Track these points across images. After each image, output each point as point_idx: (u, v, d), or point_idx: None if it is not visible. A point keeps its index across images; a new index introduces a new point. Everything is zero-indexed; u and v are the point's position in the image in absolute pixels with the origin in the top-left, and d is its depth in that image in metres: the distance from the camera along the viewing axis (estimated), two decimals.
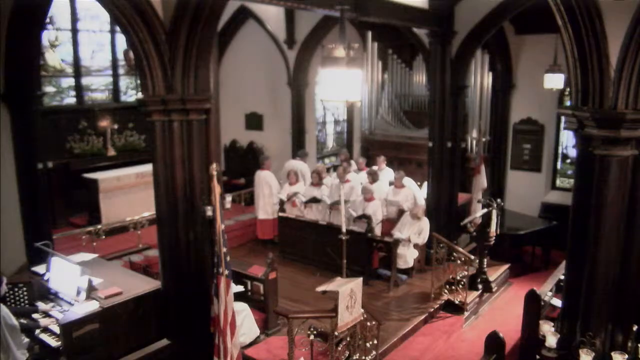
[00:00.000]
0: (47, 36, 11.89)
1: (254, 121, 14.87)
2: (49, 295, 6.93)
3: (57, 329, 6.16)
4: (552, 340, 6.33)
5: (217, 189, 5.72)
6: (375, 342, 7.09)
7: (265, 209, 11.69)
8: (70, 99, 12.79)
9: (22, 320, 6.26)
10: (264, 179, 11.78)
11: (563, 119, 11.29)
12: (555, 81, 10.91)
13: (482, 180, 11.68)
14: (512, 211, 12.47)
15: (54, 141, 11.86)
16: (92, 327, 5.85)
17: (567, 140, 13.48)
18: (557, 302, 7.31)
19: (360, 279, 6.52)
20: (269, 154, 14.40)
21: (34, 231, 7.94)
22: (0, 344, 5.88)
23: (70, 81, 12.71)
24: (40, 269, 7.15)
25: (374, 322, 7.00)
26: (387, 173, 12.01)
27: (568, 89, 11.48)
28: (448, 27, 10.03)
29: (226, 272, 5.71)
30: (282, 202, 11.34)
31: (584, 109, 5.47)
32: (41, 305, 6.75)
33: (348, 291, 6.22)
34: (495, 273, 10.29)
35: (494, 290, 9.99)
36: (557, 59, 10.62)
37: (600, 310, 5.83)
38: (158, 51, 5.55)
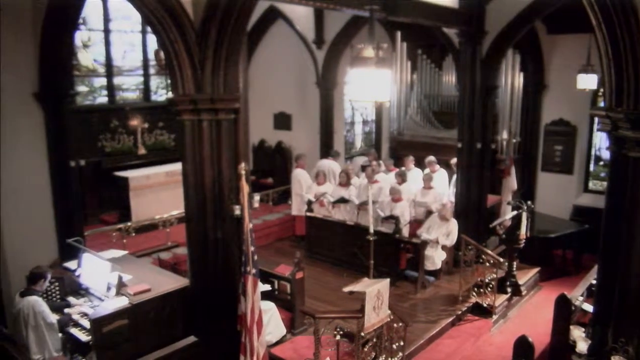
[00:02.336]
0: (80, 37, 12.10)
1: (283, 121, 14.91)
2: (80, 290, 7.07)
3: (86, 324, 6.28)
4: (582, 346, 6.22)
5: (245, 188, 5.74)
6: (402, 343, 7.05)
7: (299, 206, 11.80)
8: (102, 99, 13.01)
9: (57, 316, 6.41)
10: (297, 177, 11.99)
11: (596, 120, 11.18)
12: (588, 82, 10.71)
13: (512, 182, 11.53)
14: (543, 214, 12.28)
15: (86, 140, 12.08)
16: (122, 322, 5.95)
17: (601, 142, 13.22)
18: (589, 307, 7.18)
19: (388, 280, 6.48)
20: (297, 153, 14.46)
21: (66, 228, 8.10)
22: (39, 339, 6.04)
23: (102, 81, 12.93)
24: (72, 264, 7.29)
25: (400, 324, 6.96)
26: (415, 173, 11.95)
27: (602, 90, 11.26)
28: (478, 26, 9.91)
29: (253, 270, 5.74)
30: (309, 202, 11.37)
31: (618, 110, 5.35)
32: (73, 300, 6.89)
33: (375, 292, 6.19)
34: (525, 276, 10.14)
35: (523, 293, 9.85)
36: (590, 59, 10.42)
37: (634, 316, 5.69)
38: (188, 51, 5.61)
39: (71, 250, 7.49)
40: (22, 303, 6.09)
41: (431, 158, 11.96)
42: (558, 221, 12.03)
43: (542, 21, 11.85)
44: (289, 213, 12.75)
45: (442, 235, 9.77)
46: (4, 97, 7.41)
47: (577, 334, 6.52)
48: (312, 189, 11.69)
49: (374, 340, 6.69)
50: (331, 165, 12.48)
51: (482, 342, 8.42)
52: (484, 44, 10.11)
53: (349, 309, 6.75)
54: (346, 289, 6.46)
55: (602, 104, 11.32)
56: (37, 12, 7.48)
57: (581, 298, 7.54)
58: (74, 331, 6.44)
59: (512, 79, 12.98)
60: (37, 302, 6.10)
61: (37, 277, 6.29)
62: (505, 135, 13.04)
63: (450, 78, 13.79)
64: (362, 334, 6.29)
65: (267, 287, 8.02)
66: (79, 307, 6.61)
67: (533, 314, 9.38)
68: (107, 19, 12.70)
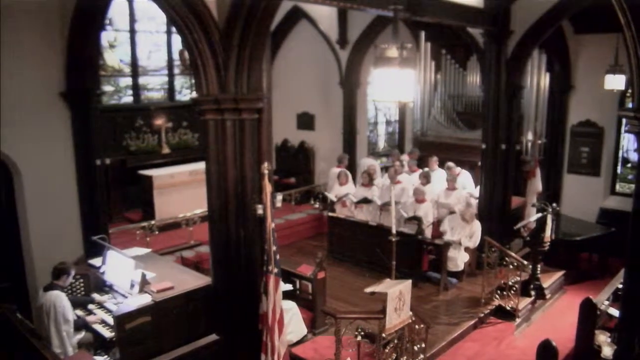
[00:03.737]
0: (106, 37, 12.27)
1: (306, 121, 14.94)
2: (104, 287, 7.18)
3: (110, 320, 6.37)
4: (608, 352, 6.12)
5: (267, 187, 5.76)
6: (423, 345, 7.02)
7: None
8: (128, 98, 13.16)
9: (80, 312, 6.52)
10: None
11: (624, 121, 10.97)
12: (616, 82, 10.54)
13: (536, 184, 11.38)
14: (568, 216, 12.10)
15: (112, 138, 12.25)
16: (144, 319, 6.00)
17: (628, 143, 13.00)
18: (615, 312, 7.05)
19: (410, 281, 6.45)
20: (320, 154, 14.51)
21: (91, 225, 8.22)
22: (59, 334, 6.15)
23: (128, 80, 13.08)
24: (96, 261, 7.39)
25: (422, 325, 6.93)
26: (439, 174, 11.88)
27: (630, 90, 11.04)
28: (504, 26, 9.81)
29: (275, 270, 5.75)
30: (332, 203, 11.38)
31: None
32: (97, 296, 7.00)
33: (397, 293, 6.17)
34: (549, 279, 10.00)
35: (547, 297, 9.72)
36: (618, 59, 10.25)
37: None
38: (212, 51, 5.64)
39: (96, 247, 7.60)
40: (45, 297, 6.23)
41: (450, 164, 11.81)
42: (584, 224, 11.85)
43: (569, 20, 11.69)
44: (311, 213, 12.81)
45: (464, 237, 9.70)
46: (32, 96, 7.55)
47: (603, 339, 6.41)
48: (334, 189, 11.69)
49: (395, 341, 6.66)
50: (372, 163, 12.68)
51: (504, 346, 8.33)
52: (509, 43, 10.01)
53: (370, 310, 6.73)
54: (368, 290, 6.44)
55: (630, 105, 11.10)
56: (64, 13, 7.61)
57: (607, 302, 7.41)
58: (98, 327, 6.55)
59: (537, 79, 12.81)
60: (59, 297, 6.21)
61: (60, 272, 6.42)
62: (530, 136, 12.88)
63: (474, 78, 13.66)
64: (383, 335, 6.28)
65: (289, 286, 8.03)
66: (97, 316, 6.70)
67: (557, 318, 9.25)
68: (132, 20, 12.85)
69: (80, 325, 6.55)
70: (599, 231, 11.33)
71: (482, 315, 8.83)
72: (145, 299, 6.15)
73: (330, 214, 11.29)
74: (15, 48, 7.27)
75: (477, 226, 9.82)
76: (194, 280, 6.68)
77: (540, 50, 12.26)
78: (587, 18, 11.08)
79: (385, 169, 13.73)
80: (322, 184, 14.25)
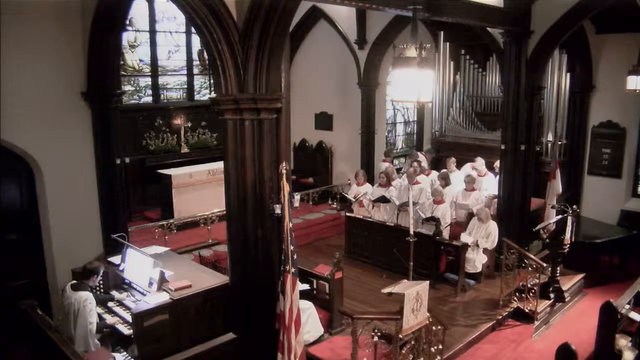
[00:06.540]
0: (126, 37, 12.40)
1: (324, 121, 14.95)
2: (123, 284, 7.24)
3: (128, 317, 6.42)
4: (629, 356, 6.02)
5: (286, 187, 5.77)
6: (440, 347, 6.98)
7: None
8: (147, 98, 13.30)
9: (100, 309, 6.57)
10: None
11: None
12: (639, 83, 10.38)
13: (557, 186, 11.28)
14: (589, 218, 11.96)
15: (131, 138, 12.41)
16: (162, 317, 6.05)
17: None
18: (636, 316, 6.95)
19: (427, 282, 6.43)
20: (338, 153, 14.51)
21: (110, 223, 8.33)
22: (82, 334, 6.21)
23: (148, 80, 13.23)
24: (115, 259, 7.46)
25: (439, 327, 6.90)
26: (457, 175, 11.82)
27: None
28: (524, 26, 9.73)
29: (293, 269, 5.76)
30: (350, 202, 11.37)
31: None
32: (116, 294, 7.06)
33: (414, 294, 6.15)
34: (569, 282, 9.89)
35: (566, 299, 9.61)
36: None
37: None
38: (231, 51, 5.66)
39: (115, 245, 7.67)
40: (74, 297, 6.21)
41: (478, 163, 11.80)
42: (605, 226, 11.71)
43: (590, 20, 11.55)
44: (329, 213, 12.84)
45: (481, 238, 9.63)
46: (53, 96, 7.66)
47: (623, 343, 6.31)
48: (352, 189, 11.69)
49: (412, 342, 6.65)
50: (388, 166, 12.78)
51: (522, 349, 8.26)
52: (529, 43, 9.92)
53: (387, 311, 6.72)
54: (385, 290, 6.43)
55: None
56: (86, 15, 7.70)
57: (628, 306, 7.30)
58: (116, 324, 6.60)
59: (558, 79, 12.69)
60: (89, 299, 6.23)
61: (90, 273, 6.45)
62: (550, 137, 12.76)
63: (494, 79, 13.59)
64: (400, 336, 6.26)
65: (306, 286, 8.04)
66: (117, 318, 6.73)
67: (576, 321, 9.15)
68: (152, 20, 12.99)
69: (101, 328, 6.58)
70: (620, 234, 11.20)
71: (500, 317, 8.76)
72: (163, 297, 6.20)
73: (348, 214, 11.29)
74: (37, 48, 7.39)
75: (493, 226, 9.75)
76: (212, 279, 6.71)
77: (560, 50, 12.15)
78: (609, 18, 10.94)
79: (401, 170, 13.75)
80: (340, 184, 14.26)
